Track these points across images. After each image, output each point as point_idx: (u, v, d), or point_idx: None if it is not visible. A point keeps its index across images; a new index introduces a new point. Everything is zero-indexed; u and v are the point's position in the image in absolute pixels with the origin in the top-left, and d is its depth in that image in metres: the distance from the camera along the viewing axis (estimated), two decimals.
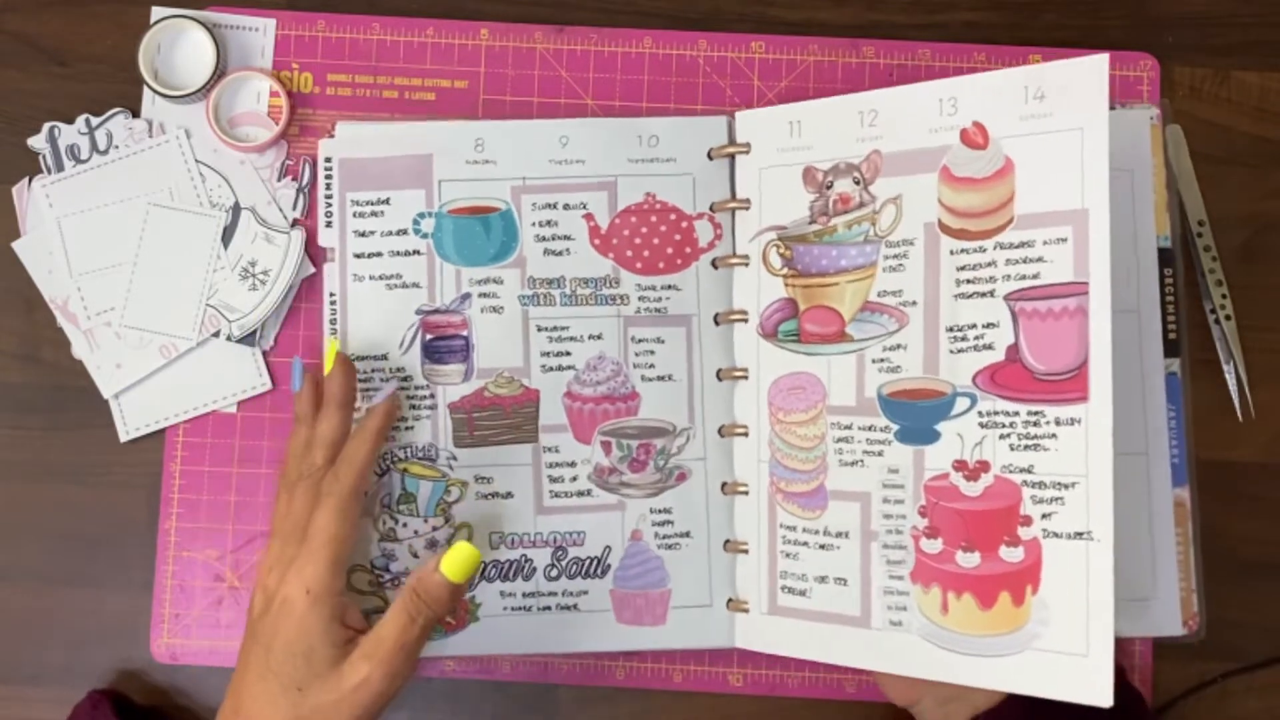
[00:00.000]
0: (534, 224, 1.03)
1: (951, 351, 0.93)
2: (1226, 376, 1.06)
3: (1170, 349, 1.03)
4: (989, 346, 0.91)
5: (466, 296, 1.03)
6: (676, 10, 1.09)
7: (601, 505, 1.02)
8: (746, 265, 1.02)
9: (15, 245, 1.05)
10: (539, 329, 1.03)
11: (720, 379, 1.03)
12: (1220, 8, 1.09)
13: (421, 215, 1.03)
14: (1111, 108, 1.04)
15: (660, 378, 1.03)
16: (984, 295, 0.91)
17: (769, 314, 1.01)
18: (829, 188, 0.99)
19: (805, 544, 0.98)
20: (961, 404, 0.92)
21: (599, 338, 1.03)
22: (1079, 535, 0.86)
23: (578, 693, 1.05)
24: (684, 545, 1.02)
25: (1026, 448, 0.89)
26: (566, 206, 1.03)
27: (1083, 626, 0.86)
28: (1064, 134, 0.89)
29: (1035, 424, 0.89)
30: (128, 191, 1.05)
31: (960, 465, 0.91)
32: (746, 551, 1.01)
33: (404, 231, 1.03)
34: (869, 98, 0.98)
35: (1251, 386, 1.06)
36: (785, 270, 1.00)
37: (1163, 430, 1.03)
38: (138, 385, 1.05)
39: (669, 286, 1.03)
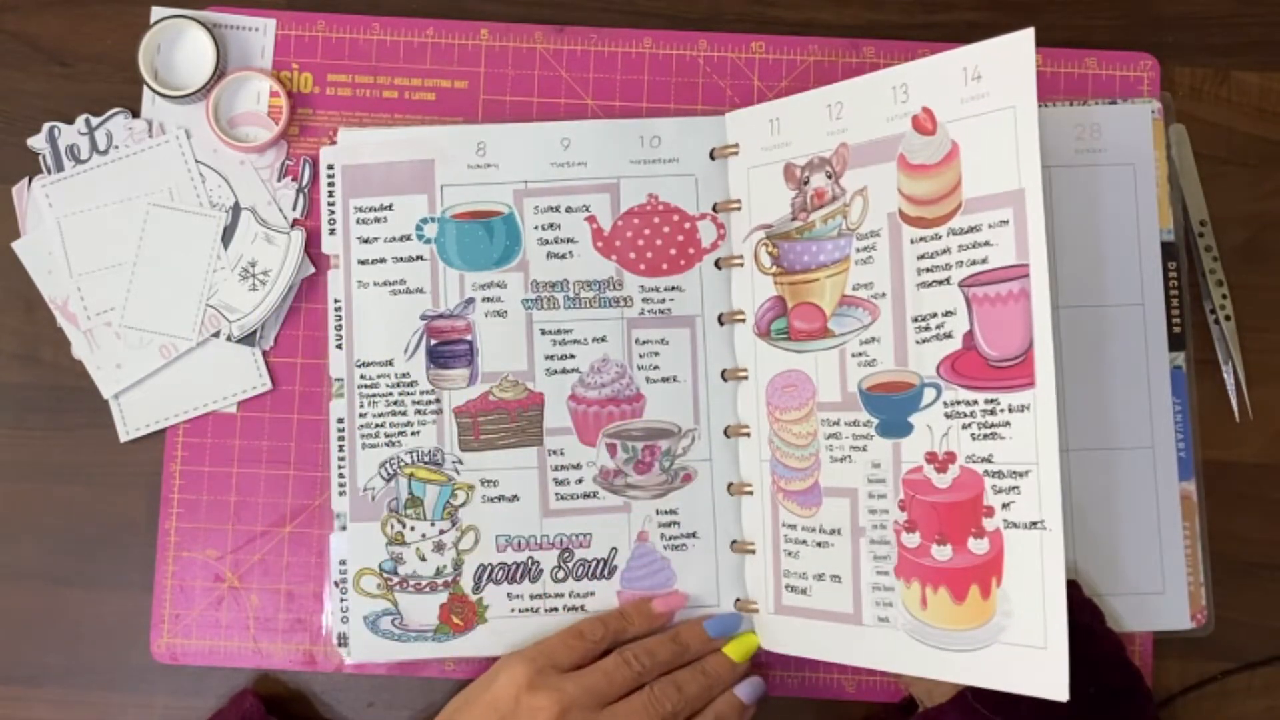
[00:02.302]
0: (536, 227, 1.03)
1: (917, 342, 0.92)
2: (1225, 377, 1.06)
3: (1175, 343, 1.04)
4: (948, 335, 0.90)
5: (470, 301, 1.03)
6: (676, 10, 1.09)
7: (607, 507, 1.02)
8: (742, 265, 1.03)
9: (15, 245, 1.05)
10: (543, 332, 1.03)
11: (725, 379, 1.03)
12: (1220, 8, 1.09)
13: (424, 220, 1.03)
14: (1113, 102, 1.05)
15: (665, 379, 1.03)
16: (942, 283, 0.90)
17: (762, 313, 1.01)
18: (806, 183, 0.99)
19: (804, 542, 0.98)
20: (929, 395, 0.91)
21: (603, 340, 1.03)
22: (1034, 525, 0.85)
23: None
24: (691, 546, 1.02)
25: (986, 437, 0.88)
26: (569, 209, 1.04)
27: (1040, 618, 0.84)
28: (999, 113, 0.87)
29: (992, 412, 0.87)
30: (128, 191, 1.05)
31: (931, 457, 0.91)
32: (753, 551, 1.01)
33: (407, 237, 1.03)
34: (834, 90, 0.98)
35: (1250, 387, 1.06)
36: (774, 269, 1.00)
37: (1168, 424, 1.03)
38: (138, 385, 1.05)
39: (672, 288, 1.03)
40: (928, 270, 0.91)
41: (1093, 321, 1.03)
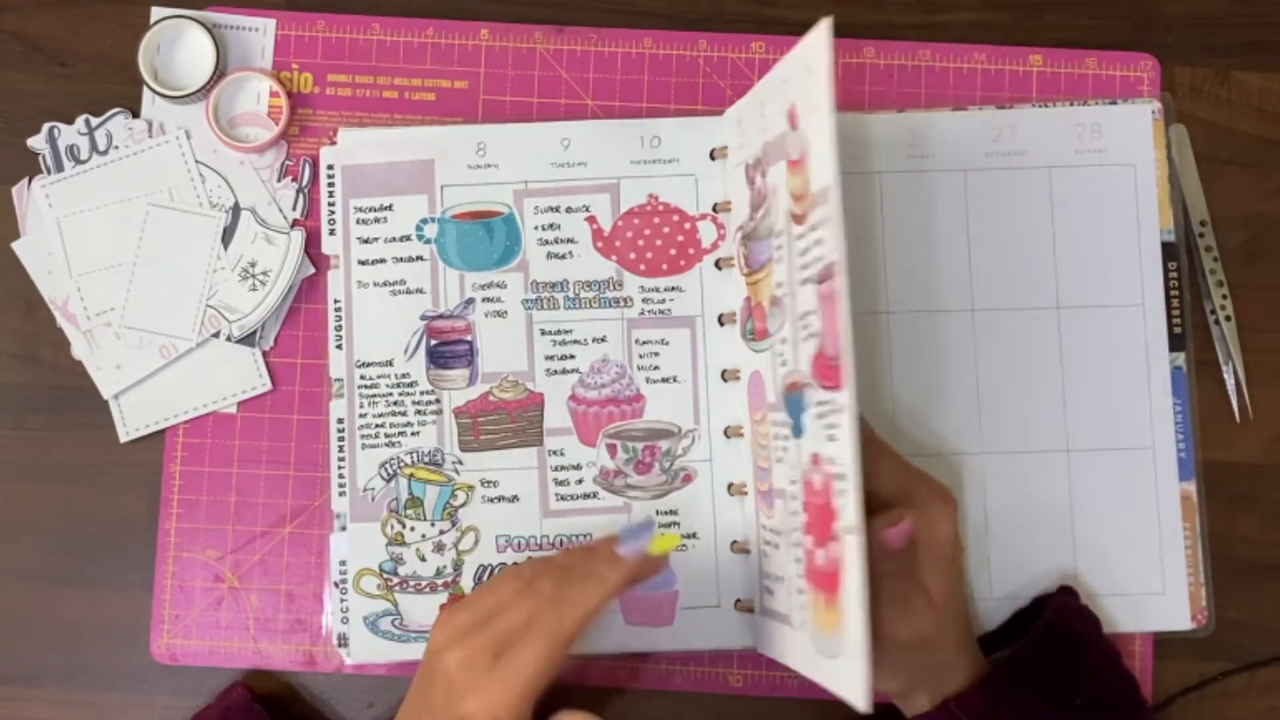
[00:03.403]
0: (537, 227, 1.04)
1: (802, 340, 0.89)
2: (1225, 377, 1.06)
3: (1175, 343, 1.04)
4: (815, 334, 0.87)
5: (470, 301, 1.03)
6: (676, 10, 1.09)
7: (607, 508, 1.02)
8: (734, 266, 1.03)
9: (15, 245, 1.05)
10: (543, 332, 1.03)
11: (725, 380, 1.03)
12: (1220, 8, 1.09)
13: (424, 220, 1.03)
14: (1113, 102, 1.05)
15: (665, 379, 1.03)
16: (809, 280, 0.87)
17: (742, 314, 1.01)
18: (753, 183, 0.98)
19: (770, 543, 0.97)
20: (809, 395, 0.88)
21: (603, 340, 1.03)
22: (848, 530, 0.81)
23: (579, 694, 1.05)
24: (691, 546, 1.02)
25: (830, 438, 0.84)
26: (569, 209, 1.04)
27: (850, 624, 0.81)
28: (819, 109, 0.84)
29: (831, 413, 0.84)
30: (128, 192, 1.05)
31: (815, 459, 0.87)
32: (749, 552, 1.01)
33: (407, 237, 1.03)
34: (762, 86, 0.96)
35: (1250, 387, 1.06)
36: (745, 269, 1.00)
37: (1168, 425, 1.03)
38: (137, 386, 1.05)
39: (672, 288, 1.04)
40: (802, 268, 0.88)
41: (1093, 322, 1.03)
